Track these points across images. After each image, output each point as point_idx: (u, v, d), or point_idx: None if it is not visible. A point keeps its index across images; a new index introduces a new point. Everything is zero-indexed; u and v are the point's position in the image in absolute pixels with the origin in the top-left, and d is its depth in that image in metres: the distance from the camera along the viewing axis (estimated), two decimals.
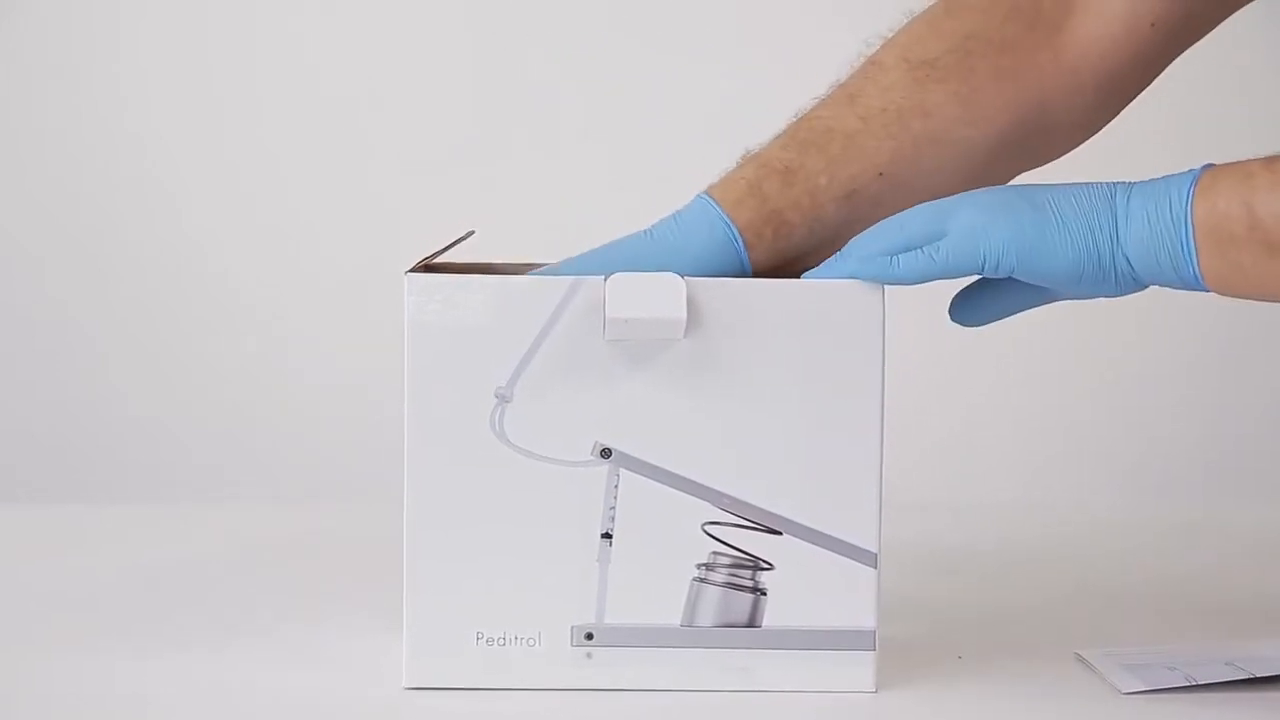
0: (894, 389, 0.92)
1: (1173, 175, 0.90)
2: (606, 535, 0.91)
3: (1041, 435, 2.12)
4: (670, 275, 0.90)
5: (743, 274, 0.95)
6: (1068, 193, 0.90)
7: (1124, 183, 0.91)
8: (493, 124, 2.10)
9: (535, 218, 2.00)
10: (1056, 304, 0.95)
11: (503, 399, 0.91)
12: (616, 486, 0.91)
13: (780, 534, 0.91)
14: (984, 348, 2.07)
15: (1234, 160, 0.89)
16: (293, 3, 2.11)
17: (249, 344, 2.13)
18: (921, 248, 0.90)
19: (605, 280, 0.90)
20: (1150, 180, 0.90)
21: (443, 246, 1.00)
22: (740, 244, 0.95)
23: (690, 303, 0.90)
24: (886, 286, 0.91)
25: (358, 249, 2.11)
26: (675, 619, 0.92)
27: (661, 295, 0.90)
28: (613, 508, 0.91)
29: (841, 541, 0.91)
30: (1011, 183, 1.01)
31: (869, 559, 0.92)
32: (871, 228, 0.92)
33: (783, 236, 0.96)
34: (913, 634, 1.02)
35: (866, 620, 0.92)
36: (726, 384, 0.91)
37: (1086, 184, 0.91)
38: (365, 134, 2.11)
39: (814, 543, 0.91)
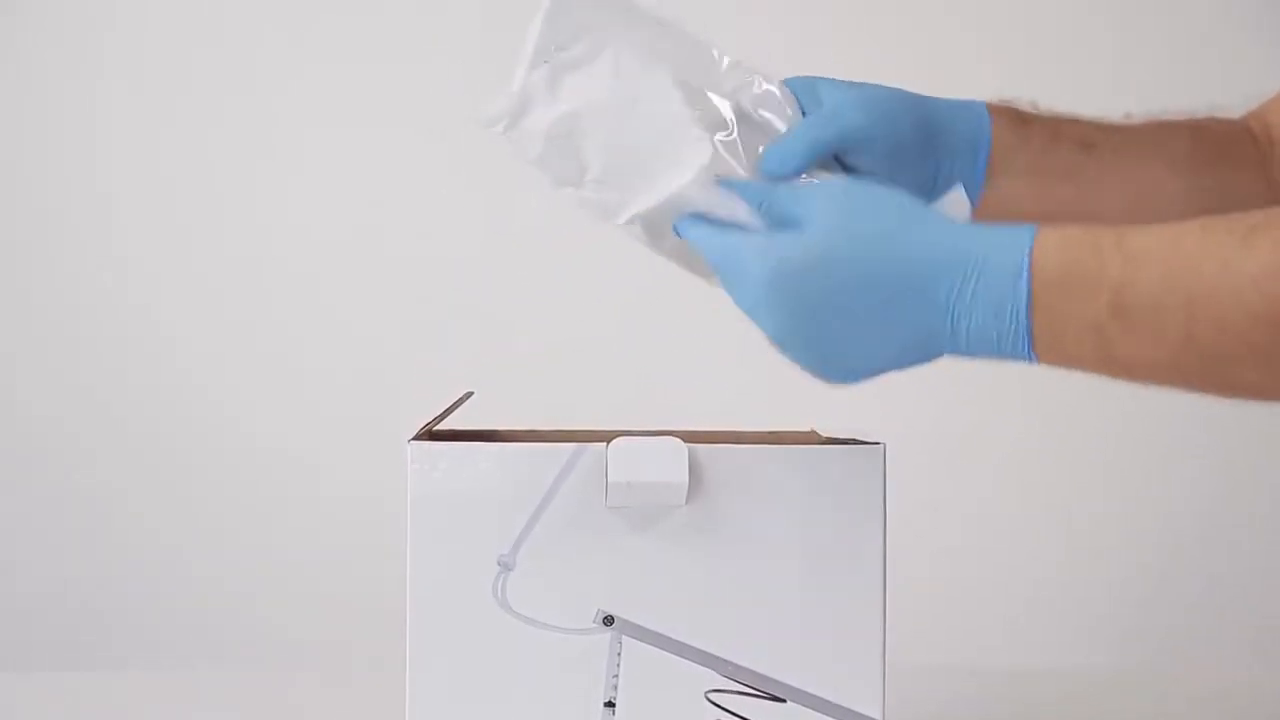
0: (893, 548, 0.92)
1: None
2: (610, 704, 0.91)
3: (1046, 596, 2.11)
4: (671, 439, 0.90)
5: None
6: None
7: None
8: (492, 285, 2.11)
9: (535, 380, 2.00)
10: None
11: (505, 566, 0.90)
12: (619, 654, 0.90)
13: (784, 701, 0.91)
14: (984, 505, 2.06)
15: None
16: (296, 156, 2.12)
17: (246, 512, 2.13)
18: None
19: (607, 445, 0.90)
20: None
21: (443, 411, 1.00)
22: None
23: (691, 467, 0.90)
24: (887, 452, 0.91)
25: (356, 413, 2.11)
26: None
27: (663, 460, 0.90)
28: (615, 675, 0.90)
29: (845, 709, 0.91)
30: None
31: None
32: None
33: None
34: None
35: None
36: (728, 549, 0.91)
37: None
38: (361, 298, 2.12)
39: (818, 709, 0.91)
